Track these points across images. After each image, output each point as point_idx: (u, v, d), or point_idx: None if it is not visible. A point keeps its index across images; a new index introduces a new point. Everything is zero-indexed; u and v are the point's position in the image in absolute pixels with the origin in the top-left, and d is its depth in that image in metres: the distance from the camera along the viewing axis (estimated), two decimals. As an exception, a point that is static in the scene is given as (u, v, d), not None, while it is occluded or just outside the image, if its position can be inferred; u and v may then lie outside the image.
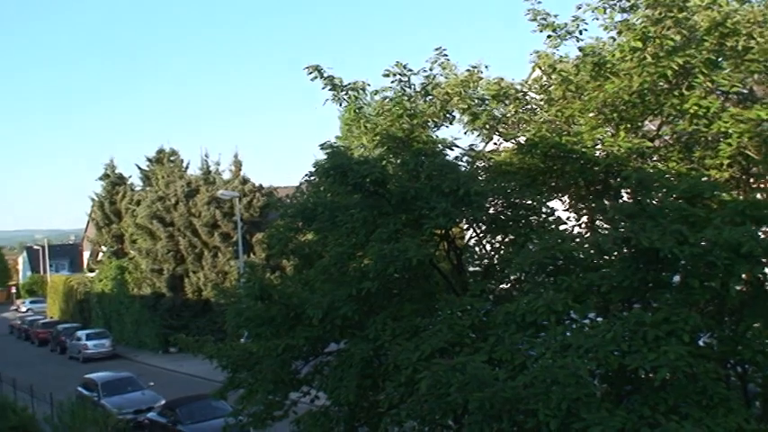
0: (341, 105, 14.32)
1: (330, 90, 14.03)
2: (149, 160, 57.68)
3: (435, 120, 13.84)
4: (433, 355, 10.24)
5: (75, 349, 50.67)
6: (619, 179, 12.44)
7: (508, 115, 13.61)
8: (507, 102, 13.54)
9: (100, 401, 29.10)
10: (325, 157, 12.93)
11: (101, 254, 65.02)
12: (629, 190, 12.53)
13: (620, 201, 12.63)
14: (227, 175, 51.60)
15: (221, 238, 48.44)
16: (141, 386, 31.73)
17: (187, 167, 55.65)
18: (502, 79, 13.60)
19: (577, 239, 11.44)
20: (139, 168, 58.63)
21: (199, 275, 49.06)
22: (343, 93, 14.10)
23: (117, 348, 50.84)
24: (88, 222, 75.66)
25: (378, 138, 13.54)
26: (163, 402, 28.53)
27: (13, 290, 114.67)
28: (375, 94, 14.16)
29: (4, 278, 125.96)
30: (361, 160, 12.50)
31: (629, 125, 12.70)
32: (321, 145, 13.84)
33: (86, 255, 78.36)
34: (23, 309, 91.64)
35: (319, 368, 13.72)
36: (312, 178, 13.99)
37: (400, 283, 12.23)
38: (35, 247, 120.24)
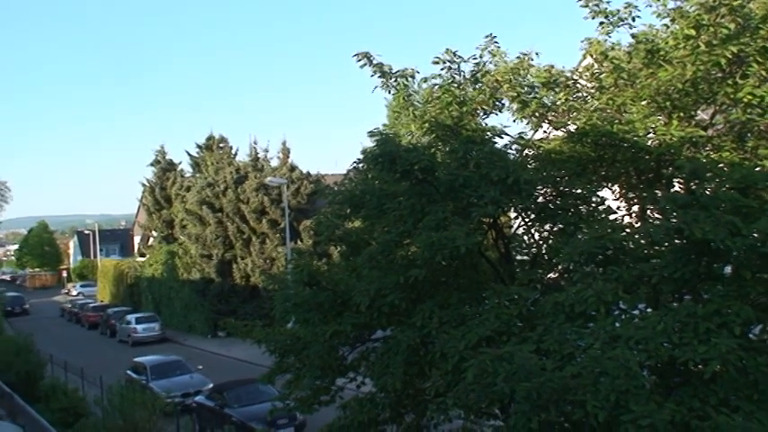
0: (390, 93, 14.26)
1: (379, 77, 13.99)
2: (199, 147, 58.31)
3: (484, 107, 13.74)
4: (479, 343, 10.22)
5: (125, 333, 51.45)
6: (671, 168, 12.26)
7: (558, 103, 13.45)
8: (557, 89, 13.39)
9: (148, 384, 29.51)
10: (373, 144, 12.94)
11: (151, 239, 65.92)
12: (681, 180, 12.35)
13: (672, 190, 12.46)
14: (275, 163, 52.02)
15: (269, 225, 48.82)
16: (189, 370, 32.11)
17: (236, 154, 56.20)
18: (552, 67, 13.46)
19: (628, 229, 11.31)
20: (189, 155, 59.34)
21: (247, 261, 49.53)
22: (393, 80, 14.05)
23: (166, 332, 51.53)
24: (139, 207, 76.68)
25: (426, 125, 13.48)
26: (211, 386, 28.87)
27: (64, 274, 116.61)
28: (424, 82, 14.09)
29: (55, 262, 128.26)
30: (409, 148, 12.48)
31: (681, 114, 12.50)
32: (369, 132, 13.84)
33: (137, 239, 79.38)
34: (74, 292, 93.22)
35: (366, 355, 13.78)
36: (360, 165, 13.98)
37: (448, 271, 12.21)
38: (86, 231, 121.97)
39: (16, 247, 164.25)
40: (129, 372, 32.43)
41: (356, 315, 12.44)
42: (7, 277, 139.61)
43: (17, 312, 73.81)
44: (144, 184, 64.84)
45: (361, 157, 13.53)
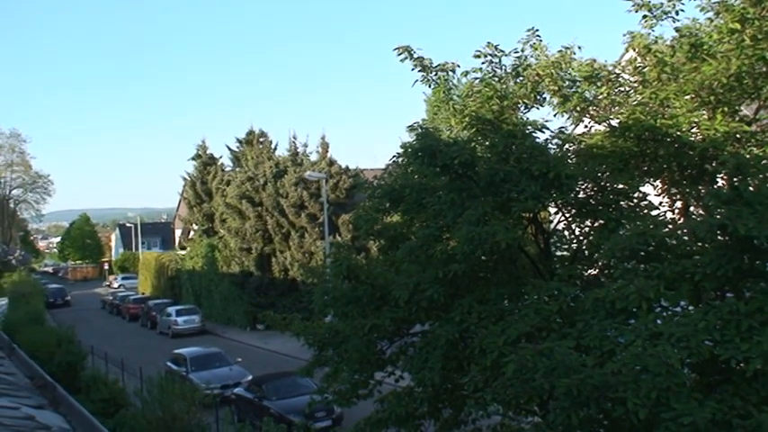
0: (430, 87, 14.21)
1: (419, 71, 13.95)
2: (239, 141, 58.64)
3: (525, 102, 13.65)
4: (519, 339, 10.20)
5: (166, 325, 51.99)
6: (715, 164, 12.11)
7: (600, 97, 13.32)
8: (599, 84, 13.26)
9: (188, 376, 29.77)
10: (413, 138, 12.92)
11: (192, 232, 66.46)
12: (724, 175, 12.19)
13: (716, 186, 12.30)
14: (314, 157, 52.14)
15: (308, 219, 49.01)
16: (229, 362, 32.35)
17: (275, 149, 56.42)
18: (594, 60, 13.34)
19: (670, 226, 11.20)
20: (230, 149, 59.70)
21: (286, 255, 49.78)
22: (433, 74, 14.00)
23: (206, 324, 51.99)
24: (180, 201, 77.36)
25: (466, 119, 13.41)
26: (250, 378, 29.06)
27: (106, 266, 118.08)
28: (464, 76, 14.01)
29: (97, 255, 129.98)
30: (449, 142, 12.45)
31: (725, 109, 12.33)
32: (409, 127, 13.84)
33: (178, 233, 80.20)
34: (115, 285, 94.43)
35: (404, 349, 13.77)
36: (400, 160, 13.98)
37: (487, 266, 12.17)
38: (128, 224, 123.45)
39: (59, 239, 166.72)
40: (169, 363, 32.77)
41: (395, 309, 12.46)
42: (49, 269, 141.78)
43: (59, 304, 74.90)
44: (185, 179, 65.33)
45: (400, 151, 13.51)
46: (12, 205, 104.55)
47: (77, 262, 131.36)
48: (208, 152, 63.84)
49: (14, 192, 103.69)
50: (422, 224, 13.48)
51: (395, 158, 14.14)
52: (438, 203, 12.71)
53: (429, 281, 11.94)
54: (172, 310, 52.95)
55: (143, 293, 75.45)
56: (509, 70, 13.82)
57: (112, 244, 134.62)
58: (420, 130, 13.02)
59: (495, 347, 10.28)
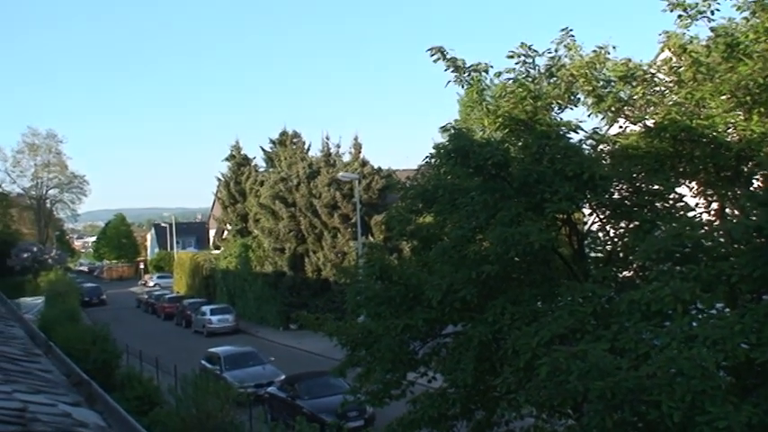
0: (463, 87, 14.20)
1: (452, 72, 13.91)
2: (273, 142, 58.96)
3: (559, 102, 13.57)
4: (552, 341, 10.12)
5: (200, 323, 52.28)
6: (751, 165, 11.97)
7: (635, 98, 13.22)
8: (634, 84, 13.16)
9: (222, 375, 29.93)
10: (445, 139, 12.90)
11: (226, 232, 66.88)
12: (761, 176, 12.04)
13: (752, 188, 12.15)
14: (347, 158, 52.23)
15: (341, 219, 49.10)
16: (262, 361, 32.50)
17: (308, 149, 56.65)
18: (629, 60, 13.23)
19: (706, 227, 11.08)
20: (263, 150, 60.05)
21: (319, 255, 49.89)
22: (466, 75, 13.96)
23: (239, 324, 52.21)
24: (214, 201, 78.00)
25: (500, 120, 13.36)
26: (283, 377, 29.16)
27: (141, 265, 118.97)
28: (498, 76, 13.95)
29: (132, 254, 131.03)
30: (483, 143, 12.42)
31: (762, 109, 12.16)
32: (442, 127, 13.80)
33: (212, 232, 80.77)
34: (151, 284, 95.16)
35: (437, 350, 13.76)
36: (433, 161, 13.95)
37: (520, 267, 12.13)
38: (163, 224, 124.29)
39: (94, 239, 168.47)
40: (203, 362, 32.98)
41: (428, 310, 12.44)
42: (85, 268, 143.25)
43: (94, 303, 75.58)
44: (219, 179, 65.90)
45: (433, 152, 13.47)
46: (48, 205, 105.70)
47: (113, 261, 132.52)
48: (241, 153, 64.27)
49: (51, 192, 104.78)
50: (455, 225, 13.42)
51: (428, 159, 14.10)
52: (471, 204, 12.68)
53: (462, 282, 11.90)
54: (206, 309, 53.26)
55: (178, 292, 75.93)
56: (543, 70, 13.75)
57: (148, 243, 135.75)
58: (453, 131, 13.00)
59: (529, 349, 10.22)
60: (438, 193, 13.47)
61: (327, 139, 53.48)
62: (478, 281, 11.72)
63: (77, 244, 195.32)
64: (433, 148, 13.38)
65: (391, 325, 12.88)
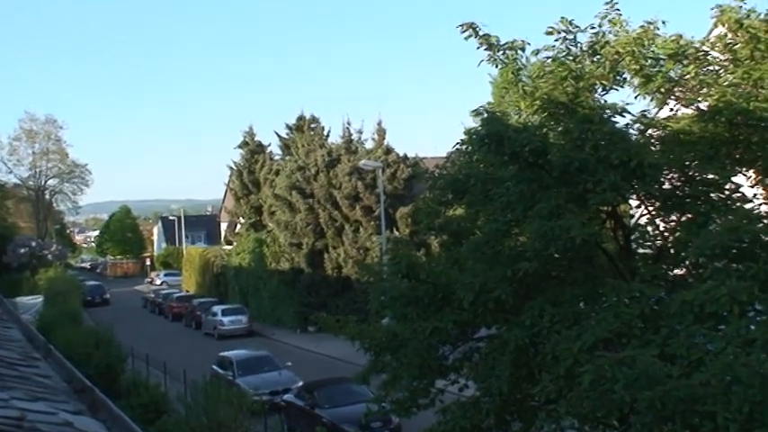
0: (497, 67, 14.14)
1: (485, 50, 13.86)
2: (289, 128, 59.13)
3: (603, 82, 13.47)
4: (596, 346, 10.08)
5: (211, 325, 52.52)
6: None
7: (687, 77, 13.10)
8: (686, 62, 13.04)
9: (235, 381, 30.03)
10: (478, 124, 12.86)
11: (238, 226, 67.20)
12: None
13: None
14: (369, 144, 52.30)
15: (363, 212, 49.10)
16: (278, 366, 32.63)
17: (328, 135, 56.77)
18: (680, 36, 13.11)
19: (765, 220, 10.97)
20: (279, 136, 60.26)
21: (339, 251, 49.96)
22: (500, 53, 13.90)
23: (253, 325, 52.44)
24: (226, 192, 78.39)
25: (537, 103, 13.29)
26: (300, 384, 29.23)
27: (148, 262, 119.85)
28: (535, 55, 13.88)
29: (137, 249, 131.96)
30: (519, 127, 12.37)
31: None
32: (473, 111, 13.75)
33: (224, 226, 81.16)
34: (158, 281, 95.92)
35: (469, 355, 13.72)
36: (464, 147, 13.90)
37: (561, 264, 12.08)
38: (171, 217, 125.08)
39: (97, 233, 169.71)
40: (214, 367, 33.14)
41: (458, 311, 12.41)
42: (87, 265, 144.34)
43: (97, 302, 76.08)
44: (231, 168, 66.19)
45: (464, 138, 13.42)
46: (47, 196, 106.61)
47: (117, 257, 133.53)
48: (255, 139, 64.56)
49: (50, 182, 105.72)
50: (488, 218, 13.39)
51: (458, 146, 14.06)
52: (506, 195, 12.63)
53: (496, 280, 11.85)
54: (217, 309, 53.51)
55: (187, 291, 76.39)
56: (585, 48, 13.67)
57: (155, 238, 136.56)
58: (486, 115, 12.97)
59: (570, 355, 10.18)
60: (470, 183, 13.41)
61: (348, 124, 53.55)
62: (514, 279, 11.67)
63: (79, 238, 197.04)
64: (464, 133, 13.34)
65: (419, 328, 12.86)
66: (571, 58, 13.61)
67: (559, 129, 13.16)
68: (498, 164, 13.13)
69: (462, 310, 12.29)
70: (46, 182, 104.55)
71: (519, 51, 13.90)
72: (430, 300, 12.82)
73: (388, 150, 50.84)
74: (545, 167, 12.23)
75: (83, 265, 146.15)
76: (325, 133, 57.17)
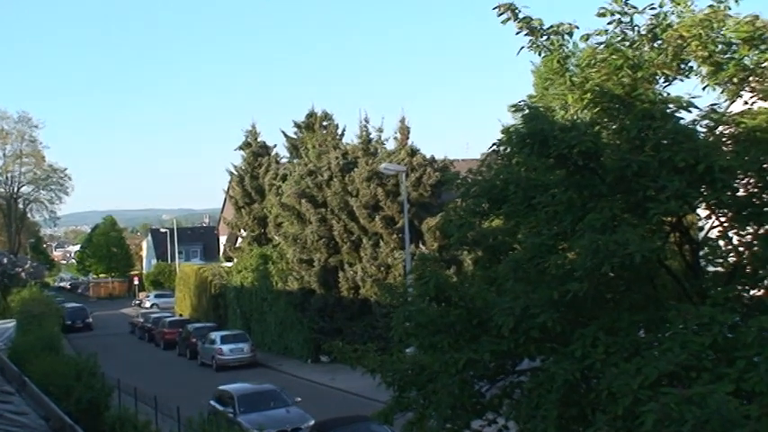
0: (540, 55, 14.14)
1: (526, 35, 13.87)
2: (298, 126, 59.35)
3: (666, 72, 13.41)
4: (659, 381, 9.97)
5: (208, 354, 52.80)
6: None
7: (764, 65, 13.00)
8: (763, 47, 12.95)
9: (236, 419, 30.16)
10: (518, 121, 12.80)
11: (240, 239, 67.37)
12: None
13: None
14: (391, 145, 52.29)
15: (384, 223, 49.06)
16: (286, 402, 32.69)
17: (343, 135, 56.97)
18: (756, 18, 13.01)
19: None
20: (286, 136, 60.49)
21: (356, 269, 49.93)
22: (544, 38, 13.92)
23: (257, 354, 52.74)
24: (225, 201, 78.77)
25: (588, 96, 13.26)
26: (312, 423, 29.28)
27: (136, 281, 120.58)
28: (585, 40, 13.88)
29: (124, 266, 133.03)
30: (566, 125, 12.30)
31: None
32: (513, 106, 13.72)
33: (223, 240, 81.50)
34: (147, 304, 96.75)
35: (509, 391, 13.68)
36: (501, 149, 13.85)
37: (617, 285, 12.00)
38: (162, 229, 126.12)
39: (78, 248, 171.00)
40: (212, 402, 33.25)
41: (497, 340, 12.34)
42: (67, 285, 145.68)
43: (78, 327, 76.89)
44: (232, 173, 66.46)
45: (502, 137, 13.40)
46: (21, 205, 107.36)
47: (101, 275, 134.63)
48: (259, 140, 64.86)
49: (24, 189, 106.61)
50: (531, 231, 13.37)
51: (495, 147, 14.01)
52: (552, 204, 12.59)
53: (541, 304, 11.79)
54: (216, 336, 53.78)
55: (180, 315, 76.86)
56: (643, 32, 13.64)
57: (144, 253, 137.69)
58: (527, 111, 12.92)
59: (629, 391, 10.06)
60: (509, 190, 13.35)
61: (366, 121, 53.52)
62: (562, 303, 11.59)
63: (57, 254, 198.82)
64: (502, 132, 13.35)
65: (450, 359, 12.79)
66: (627, 43, 13.60)
67: (614, 126, 13.12)
68: (542, 168, 13.12)
69: (501, 338, 12.22)
70: (19, 189, 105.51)
71: (566, 36, 13.92)
72: (463, 326, 12.82)
73: (413, 152, 50.77)
74: (597, 172, 12.20)
75: (62, 284, 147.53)
76: (339, 132, 57.34)
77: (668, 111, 12.73)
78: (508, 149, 13.51)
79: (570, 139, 11.72)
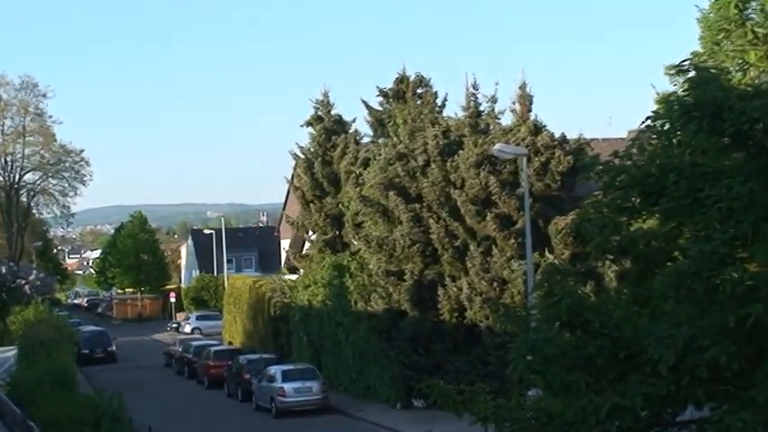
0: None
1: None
2: (384, 95, 59.16)
3: None
4: None
5: (266, 395, 52.94)
6: None
7: None
8: None
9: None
10: (678, 88, 12.66)
11: (308, 244, 67.64)
12: None
13: None
14: (507, 120, 51.96)
15: (497, 224, 48.81)
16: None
17: (443, 106, 56.75)
18: None
19: None
20: (368, 107, 60.36)
21: (460, 284, 49.75)
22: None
23: (330, 396, 52.71)
24: (288, 194, 78.94)
25: (776, 53, 13.10)
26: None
27: (172, 298, 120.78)
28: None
29: (158, 278, 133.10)
30: (747, 92, 12.17)
31: None
32: (672, 67, 13.56)
33: (285, 244, 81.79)
34: (187, 328, 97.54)
35: (667, 450, 13.54)
36: (658, 124, 13.73)
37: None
38: (206, 231, 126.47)
39: (98, 254, 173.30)
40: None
41: (651, 380, 12.30)
42: (83, 302, 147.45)
43: (98, 357, 77.81)
44: (297, 156, 66.67)
45: (658, 109, 13.28)
46: (24, 198, 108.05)
47: (127, 290, 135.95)
48: (333, 113, 64.88)
49: (28, 177, 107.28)
50: (698, 234, 13.19)
51: (649, 122, 13.90)
52: (727, 198, 12.43)
53: (711, 333, 11.73)
54: (276, 371, 53.82)
55: (230, 343, 77.34)
56: None
57: (182, 262, 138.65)
58: (693, 73, 12.88)
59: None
60: (668, 180, 13.24)
61: (475, 88, 53.07)
62: (740, 332, 11.49)
63: (71, 262, 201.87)
64: (657, 102, 13.24)
65: (589, 405, 12.75)
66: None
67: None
68: (714, 150, 13.02)
69: (657, 378, 12.17)
70: (21, 177, 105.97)
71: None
72: (606, 361, 12.82)
73: (537, 129, 50.37)
74: (789, 155, 11.98)
75: (77, 301, 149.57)
76: (438, 103, 57.08)
77: None
78: (667, 125, 13.43)
79: (752, 111, 11.65)
